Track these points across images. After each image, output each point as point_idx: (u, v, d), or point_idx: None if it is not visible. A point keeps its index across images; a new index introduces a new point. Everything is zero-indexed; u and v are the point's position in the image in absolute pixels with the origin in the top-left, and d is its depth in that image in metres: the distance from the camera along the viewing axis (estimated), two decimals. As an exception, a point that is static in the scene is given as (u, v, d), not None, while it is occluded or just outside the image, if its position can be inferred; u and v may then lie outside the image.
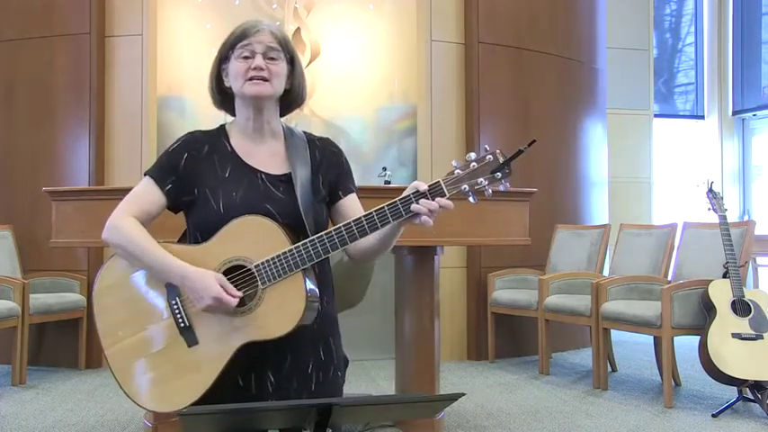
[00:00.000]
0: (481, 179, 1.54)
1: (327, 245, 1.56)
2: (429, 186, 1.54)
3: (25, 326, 4.32)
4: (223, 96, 1.78)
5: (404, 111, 5.33)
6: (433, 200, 1.53)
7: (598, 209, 6.19)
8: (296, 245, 1.56)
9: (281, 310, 1.56)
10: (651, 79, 7.88)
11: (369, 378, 4.49)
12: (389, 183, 4.61)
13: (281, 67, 1.70)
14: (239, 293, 1.56)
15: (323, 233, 1.57)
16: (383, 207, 1.55)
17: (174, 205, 1.73)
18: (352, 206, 1.78)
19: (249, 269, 1.57)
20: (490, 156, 1.55)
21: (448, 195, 1.54)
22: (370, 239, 1.64)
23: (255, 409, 1.43)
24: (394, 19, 5.38)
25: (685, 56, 8.83)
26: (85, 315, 4.80)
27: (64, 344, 4.82)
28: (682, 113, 8.76)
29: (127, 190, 1.77)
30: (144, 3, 5.02)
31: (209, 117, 5.09)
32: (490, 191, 1.55)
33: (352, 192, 1.80)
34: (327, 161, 1.78)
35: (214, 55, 1.81)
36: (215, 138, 1.76)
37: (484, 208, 2.99)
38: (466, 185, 1.53)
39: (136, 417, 3.56)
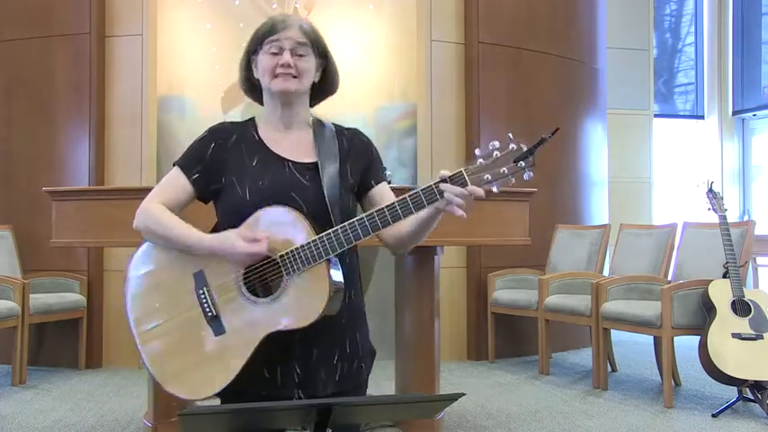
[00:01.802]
0: (504, 168, 1.53)
1: (350, 235, 1.57)
2: (451, 176, 1.53)
3: (25, 326, 4.32)
4: (252, 86, 1.80)
5: (404, 110, 5.33)
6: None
7: (598, 209, 6.19)
8: (320, 235, 1.57)
9: (306, 301, 1.58)
10: (651, 79, 7.88)
11: (369, 378, 4.49)
12: (390, 182, 4.61)
13: (310, 63, 1.71)
14: (262, 235, 1.58)
15: (346, 224, 1.58)
16: (405, 197, 1.56)
17: (202, 194, 1.75)
18: (384, 195, 1.78)
19: (274, 259, 1.59)
20: (513, 145, 1.54)
21: (469, 185, 1.53)
22: (402, 230, 1.66)
23: (255, 409, 1.43)
24: (394, 19, 5.38)
25: (685, 56, 8.84)
26: (85, 315, 4.80)
27: (64, 344, 4.82)
28: (682, 113, 8.76)
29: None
30: (144, 3, 5.01)
31: (209, 117, 5.13)
32: (513, 180, 1.54)
33: (384, 180, 1.81)
34: (356, 150, 1.78)
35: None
36: (243, 128, 1.78)
37: (484, 208, 2.99)
38: (488, 175, 1.53)
39: (136, 417, 3.56)
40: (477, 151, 1.55)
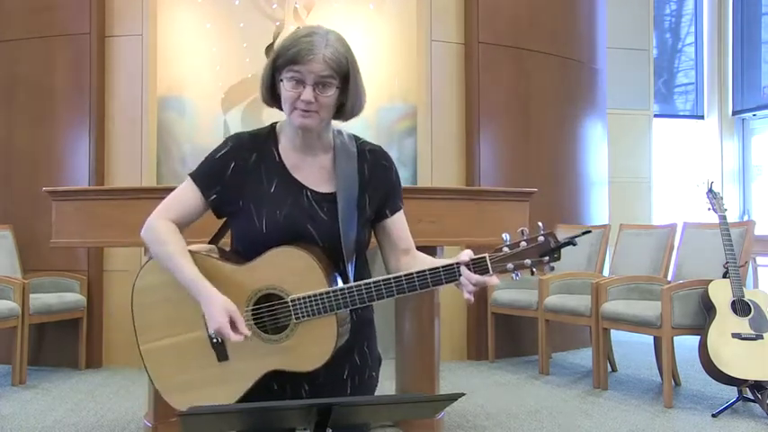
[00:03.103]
0: (528, 260, 1.54)
1: (365, 296, 1.57)
2: (473, 260, 1.54)
3: (25, 326, 4.31)
4: (274, 96, 1.69)
5: (404, 111, 5.33)
6: (478, 273, 1.53)
7: (598, 209, 6.19)
8: (334, 289, 1.56)
9: (311, 348, 1.58)
10: (651, 79, 7.88)
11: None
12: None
13: (332, 98, 1.62)
14: (246, 332, 1.56)
15: (362, 283, 1.57)
16: (425, 272, 1.56)
17: (216, 213, 1.72)
18: (398, 225, 1.76)
19: (285, 301, 1.59)
20: (542, 237, 1.55)
21: (491, 272, 1.54)
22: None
23: (255, 408, 1.43)
24: (394, 19, 5.38)
25: (685, 56, 8.83)
26: (85, 315, 4.80)
27: (64, 344, 4.82)
28: (682, 113, 8.76)
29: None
30: (144, 3, 5.01)
31: (209, 117, 5.14)
32: (535, 271, 1.56)
33: (400, 209, 1.77)
34: (376, 179, 1.73)
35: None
36: (263, 143, 1.71)
37: (484, 208, 3.00)
38: (512, 264, 1.54)
39: (136, 417, 3.56)
40: (504, 236, 1.55)
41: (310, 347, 1.58)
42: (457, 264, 1.54)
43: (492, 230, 3.01)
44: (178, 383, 1.65)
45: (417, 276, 1.56)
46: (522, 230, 1.55)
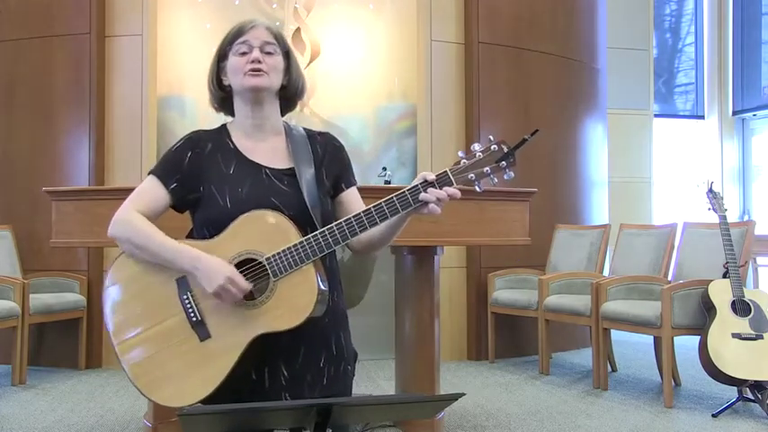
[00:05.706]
0: (487, 168, 1.59)
1: (338, 235, 1.59)
2: (437, 176, 1.59)
3: (25, 326, 4.31)
4: (222, 96, 1.81)
5: (404, 110, 5.33)
6: (441, 189, 1.57)
7: (598, 209, 6.19)
8: (306, 237, 1.58)
9: (292, 302, 1.57)
10: (651, 79, 7.88)
11: (369, 378, 4.49)
12: (389, 182, 4.62)
13: (278, 61, 1.75)
14: (249, 285, 1.58)
15: (333, 225, 1.59)
16: (392, 197, 1.59)
17: (178, 204, 1.74)
18: (353, 199, 1.82)
19: (260, 262, 1.59)
20: (495, 146, 1.60)
21: (455, 184, 1.59)
22: (374, 231, 1.66)
23: (255, 409, 1.43)
24: (394, 19, 5.38)
25: (685, 56, 8.84)
26: (85, 315, 4.80)
27: (64, 344, 4.82)
28: (682, 113, 8.76)
29: (127, 190, 1.78)
30: (144, 3, 5.02)
31: (209, 117, 5.08)
32: (496, 179, 1.61)
33: (354, 185, 1.84)
34: (329, 155, 1.81)
35: (214, 55, 1.84)
36: (217, 136, 1.79)
37: (484, 208, 3.00)
38: (472, 174, 1.59)
39: (136, 417, 3.56)
40: (459, 153, 1.62)
41: (293, 301, 1.57)
42: (421, 184, 1.59)
43: (492, 230, 3.01)
44: (160, 376, 1.62)
45: (386, 203, 1.59)
46: (474, 145, 1.61)
